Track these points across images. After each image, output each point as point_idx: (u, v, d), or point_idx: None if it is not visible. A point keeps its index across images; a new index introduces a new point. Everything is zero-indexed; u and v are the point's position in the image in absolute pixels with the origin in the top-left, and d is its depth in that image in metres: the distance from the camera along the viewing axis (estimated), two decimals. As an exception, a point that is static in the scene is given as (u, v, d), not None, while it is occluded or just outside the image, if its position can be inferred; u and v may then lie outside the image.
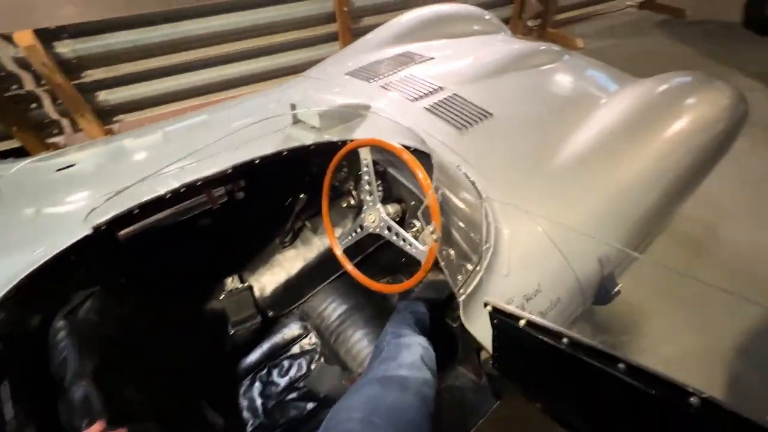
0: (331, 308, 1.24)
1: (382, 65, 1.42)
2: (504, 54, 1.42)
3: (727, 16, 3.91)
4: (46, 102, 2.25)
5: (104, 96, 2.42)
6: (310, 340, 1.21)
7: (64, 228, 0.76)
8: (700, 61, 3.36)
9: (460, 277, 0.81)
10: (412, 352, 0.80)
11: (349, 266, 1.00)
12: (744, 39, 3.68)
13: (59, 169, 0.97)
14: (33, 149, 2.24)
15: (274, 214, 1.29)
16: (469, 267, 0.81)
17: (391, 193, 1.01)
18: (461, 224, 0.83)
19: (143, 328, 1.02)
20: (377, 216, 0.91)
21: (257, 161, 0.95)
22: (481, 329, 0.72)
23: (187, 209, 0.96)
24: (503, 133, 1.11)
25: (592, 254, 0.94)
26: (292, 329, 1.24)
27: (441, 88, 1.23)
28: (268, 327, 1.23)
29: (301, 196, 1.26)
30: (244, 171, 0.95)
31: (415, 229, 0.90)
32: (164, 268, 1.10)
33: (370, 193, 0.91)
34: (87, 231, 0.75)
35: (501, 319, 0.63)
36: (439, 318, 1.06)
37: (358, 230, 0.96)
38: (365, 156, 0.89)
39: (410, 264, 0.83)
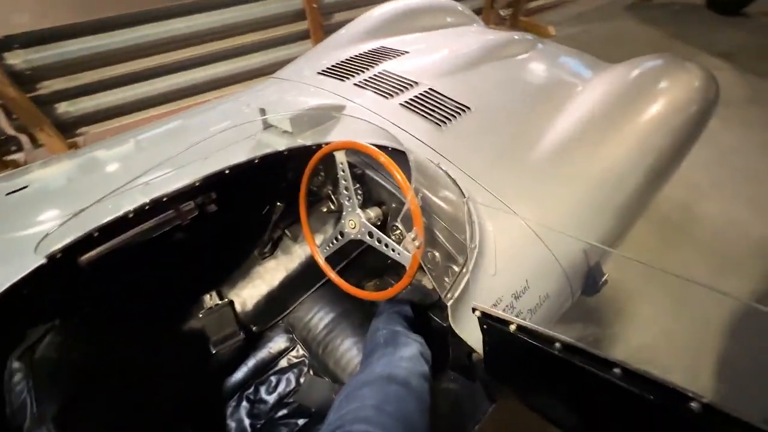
0: (318, 318, 1.20)
1: (356, 62, 1.38)
2: (478, 45, 1.40)
3: (692, -2, 4.02)
4: (1, 117, 2.11)
5: (64, 108, 2.29)
6: (298, 353, 1.17)
7: (14, 259, 0.70)
8: (668, 43, 3.45)
9: (447, 279, 0.78)
10: (411, 348, 0.80)
11: (332, 275, 0.96)
12: (708, 19, 3.79)
13: (9, 193, 0.89)
14: (-10, 169, 2.11)
15: (250, 224, 1.23)
16: (456, 268, 0.78)
17: (371, 196, 0.97)
18: (445, 225, 0.81)
19: (116, 357, 0.95)
20: (358, 221, 0.87)
21: (227, 171, 0.89)
22: (472, 333, 0.70)
23: (154, 227, 0.90)
24: (482, 127, 1.09)
25: (578, 246, 0.93)
26: (278, 343, 1.19)
27: (416, 83, 1.19)
28: (253, 343, 1.18)
29: (278, 204, 1.21)
30: (214, 182, 0.89)
31: (398, 232, 0.87)
32: (134, 290, 1.03)
33: (349, 198, 0.87)
34: (40, 261, 0.69)
35: (490, 324, 0.61)
36: (425, 320, 1.04)
37: (339, 237, 0.92)
38: (341, 160, 0.85)
39: (397, 265, 0.80)
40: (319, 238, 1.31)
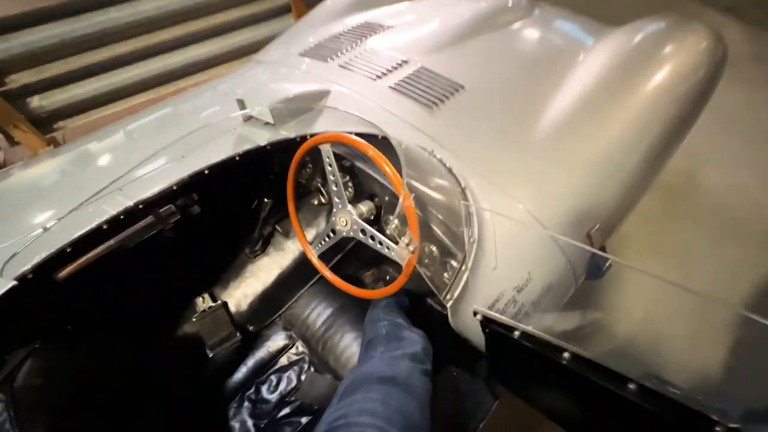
0: (315, 313, 1.17)
1: (340, 40, 1.28)
2: (470, 14, 1.29)
3: (694, -52, 3.78)
4: (-29, 117, 2.01)
5: (37, 102, 2.17)
6: (297, 350, 1.15)
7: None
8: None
9: (446, 275, 0.75)
10: (413, 344, 0.81)
11: (327, 273, 0.93)
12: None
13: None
14: (-34, 171, 2.02)
15: (238, 222, 1.18)
16: (454, 264, 0.74)
17: (362, 188, 0.92)
18: (441, 218, 0.76)
19: (103, 377, 0.92)
20: (349, 219, 0.82)
21: (207, 172, 0.83)
22: (474, 332, 0.67)
23: (134, 234, 0.85)
24: (477, 107, 1.02)
25: (581, 231, 0.89)
26: (277, 341, 1.17)
27: (405, 61, 1.11)
28: (251, 342, 1.16)
29: (265, 200, 1.15)
30: (195, 183, 0.83)
31: (393, 226, 0.82)
32: (120, 300, 0.99)
33: (338, 194, 0.82)
34: (10, 283, 0.64)
35: (493, 329, 0.58)
36: (426, 308, 1.02)
37: (331, 235, 0.88)
38: (327, 153, 0.79)
39: None
40: (311, 233, 1.26)
